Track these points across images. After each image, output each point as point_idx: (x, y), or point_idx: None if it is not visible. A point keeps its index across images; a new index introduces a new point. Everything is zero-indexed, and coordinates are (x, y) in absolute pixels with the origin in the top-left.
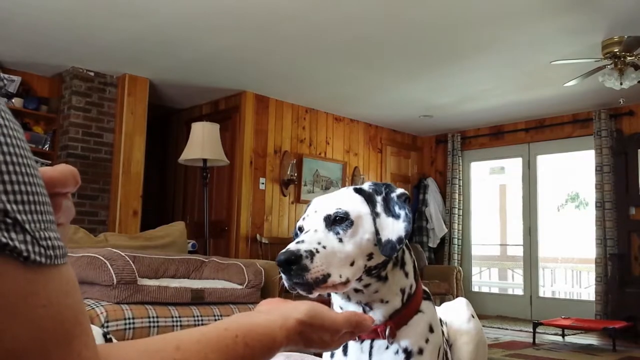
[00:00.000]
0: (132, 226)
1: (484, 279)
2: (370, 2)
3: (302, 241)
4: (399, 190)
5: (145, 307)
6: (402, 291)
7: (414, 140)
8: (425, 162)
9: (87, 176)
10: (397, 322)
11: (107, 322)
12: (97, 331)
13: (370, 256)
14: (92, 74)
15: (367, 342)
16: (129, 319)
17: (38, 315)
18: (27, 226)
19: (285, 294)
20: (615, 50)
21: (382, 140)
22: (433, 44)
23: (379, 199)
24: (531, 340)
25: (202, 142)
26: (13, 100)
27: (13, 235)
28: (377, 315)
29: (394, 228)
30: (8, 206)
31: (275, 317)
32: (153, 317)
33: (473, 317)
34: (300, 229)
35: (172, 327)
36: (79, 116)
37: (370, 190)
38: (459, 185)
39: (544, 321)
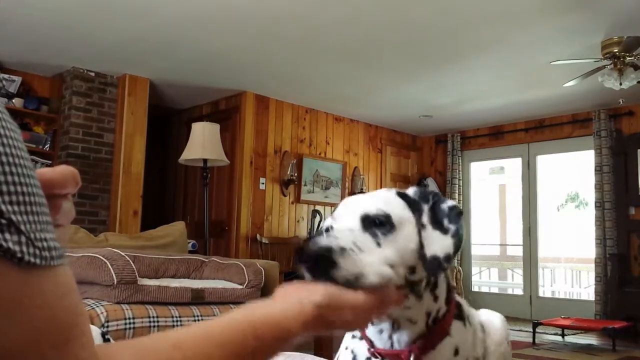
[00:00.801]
0: (132, 226)
1: (483, 279)
2: (371, 3)
3: (336, 237)
4: (450, 202)
5: (145, 307)
6: (428, 314)
7: (413, 140)
8: (425, 162)
9: (87, 176)
10: (421, 347)
11: (107, 322)
12: (95, 331)
13: (412, 270)
14: (92, 74)
15: None
16: (129, 318)
17: (32, 317)
18: (22, 227)
19: None
20: (615, 50)
21: (382, 140)
22: (433, 44)
23: (425, 207)
24: (531, 340)
25: (203, 142)
26: (13, 101)
27: (7, 236)
28: (404, 336)
29: (442, 244)
30: (3, 207)
31: (290, 304)
32: (153, 317)
33: (507, 341)
34: (329, 230)
35: (172, 327)
36: (80, 116)
37: (416, 197)
38: (459, 185)
39: (544, 321)
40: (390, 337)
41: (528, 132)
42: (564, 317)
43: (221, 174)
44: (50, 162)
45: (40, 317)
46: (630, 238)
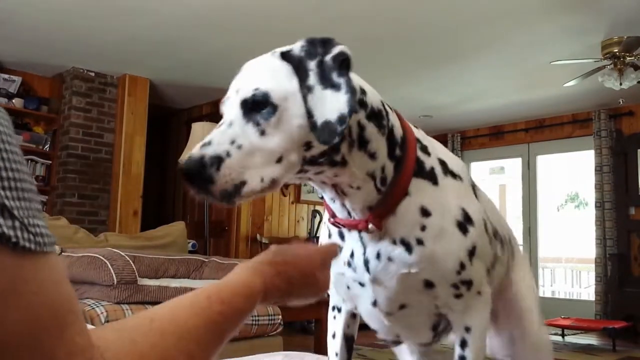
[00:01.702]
0: (132, 226)
1: None
2: (371, 2)
3: (209, 142)
4: (337, 49)
5: (145, 307)
6: (372, 176)
7: None
8: None
9: (87, 176)
10: (378, 213)
11: (107, 322)
12: None
13: (308, 145)
14: (92, 74)
15: (357, 233)
16: None
17: (29, 302)
18: (15, 212)
19: None
20: (615, 50)
21: None
22: (433, 44)
23: (312, 65)
24: None
25: None
26: (13, 101)
27: (1, 220)
28: (356, 204)
29: (333, 104)
30: None
31: (246, 267)
32: None
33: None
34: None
35: None
36: (80, 116)
37: (302, 54)
38: None
39: (544, 321)
40: (343, 205)
41: (528, 132)
42: (564, 317)
43: None
44: (50, 162)
45: (36, 302)
46: (630, 238)
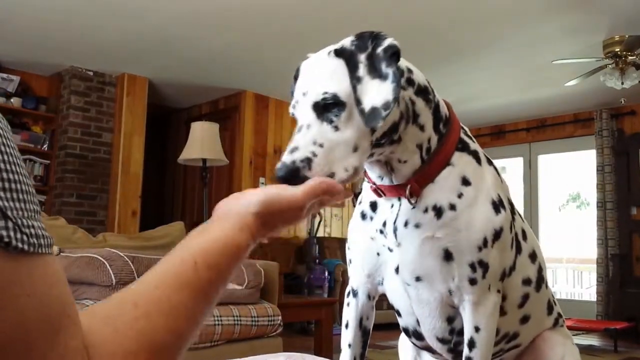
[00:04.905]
0: (131, 226)
1: None
2: (371, 2)
3: (296, 148)
4: (387, 42)
5: None
6: (419, 147)
7: None
8: None
9: (85, 176)
10: (419, 180)
11: None
12: None
13: (372, 130)
14: (91, 73)
15: (395, 202)
16: None
17: (21, 305)
18: (9, 213)
19: (285, 295)
20: (617, 49)
21: None
22: (433, 44)
23: (362, 57)
24: None
25: (202, 142)
26: (12, 100)
27: None
28: (399, 176)
29: (380, 91)
30: None
31: (231, 221)
32: None
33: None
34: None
35: None
36: (78, 116)
37: (353, 48)
38: None
39: None
40: (391, 180)
41: (530, 132)
42: (565, 318)
43: (220, 174)
44: (48, 161)
45: (29, 305)
46: (632, 238)
